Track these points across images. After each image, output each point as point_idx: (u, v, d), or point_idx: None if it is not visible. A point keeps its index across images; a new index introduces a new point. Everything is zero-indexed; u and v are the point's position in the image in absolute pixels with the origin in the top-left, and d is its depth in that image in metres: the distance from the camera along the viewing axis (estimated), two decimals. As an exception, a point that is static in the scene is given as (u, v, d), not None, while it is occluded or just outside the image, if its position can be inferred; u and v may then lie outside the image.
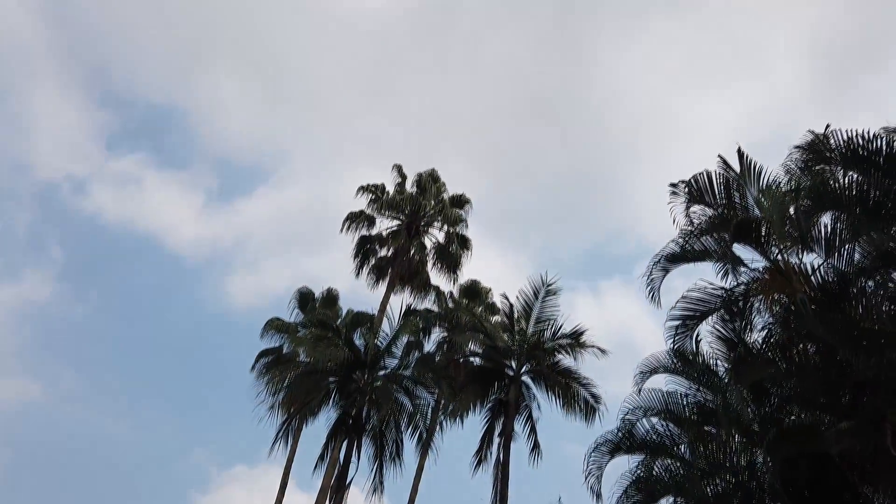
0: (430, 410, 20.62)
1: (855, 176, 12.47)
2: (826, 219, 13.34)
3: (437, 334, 25.48)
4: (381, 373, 20.79)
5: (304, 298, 29.50)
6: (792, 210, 13.31)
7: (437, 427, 21.16)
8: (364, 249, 28.44)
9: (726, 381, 13.50)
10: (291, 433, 21.58)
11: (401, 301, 26.88)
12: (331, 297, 29.81)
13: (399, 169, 29.40)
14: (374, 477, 19.26)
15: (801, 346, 13.01)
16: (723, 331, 14.06)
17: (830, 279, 13.09)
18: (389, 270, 27.57)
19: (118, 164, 75.69)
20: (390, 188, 29.10)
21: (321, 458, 20.30)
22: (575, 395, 19.30)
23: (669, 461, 13.75)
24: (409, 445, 20.34)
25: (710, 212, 14.13)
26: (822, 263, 13.26)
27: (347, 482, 19.02)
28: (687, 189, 14.16)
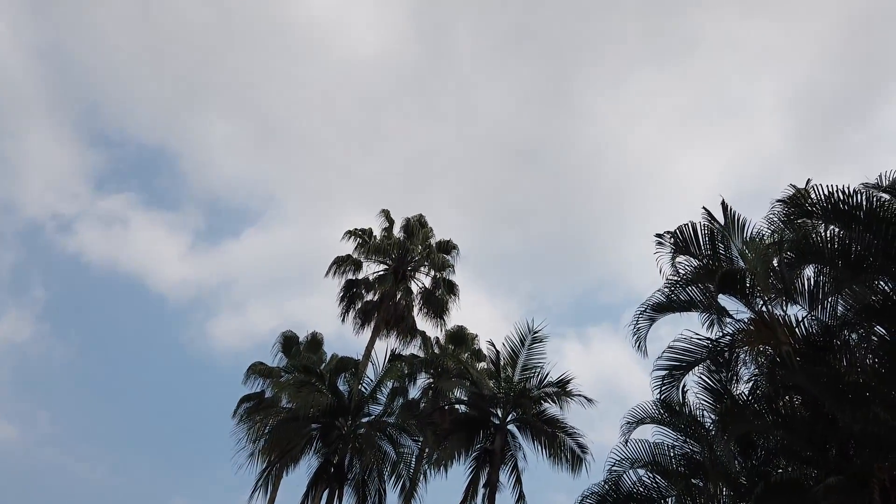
0: (413, 459, 20.24)
1: (836, 230, 12.68)
2: (809, 272, 13.55)
3: (422, 380, 25.26)
4: (365, 419, 20.46)
5: (289, 342, 29.21)
6: (776, 262, 13.48)
7: (421, 476, 20.74)
8: (350, 293, 28.31)
9: (713, 432, 13.43)
10: (272, 481, 21.04)
11: (386, 346, 26.66)
12: (315, 342, 29.54)
13: (387, 214, 29.54)
14: (356, 528, 18.76)
15: (788, 398, 13.03)
16: (709, 381, 14.06)
17: (814, 331, 13.21)
18: (375, 315, 27.40)
19: (105, 203, 75.53)
20: (377, 233, 29.17)
21: (301, 507, 19.77)
22: (561, 445, 19.07)
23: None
24: (392, 495, 19.90)
25: (695, 262, 14.27)
26: (807, 315, 13.40)
27: (327, 534, 18.50)
28: (672, 240, 14.32)
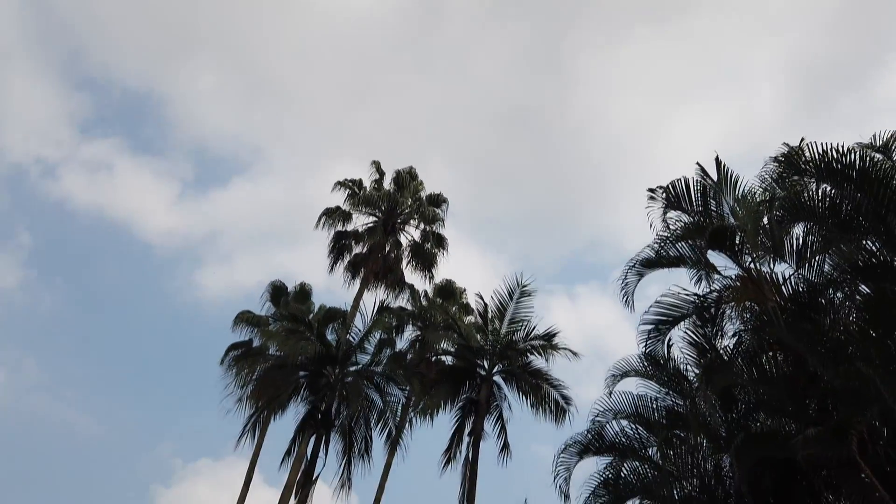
0: (400, 408, 20.52)
1: (828, 188, 12.70)
2: (798, 230, 13.61)
3: (409, 332, 25.40)
4: (353, 368, 20.65)
5: (277, 292, 29.19)
6: (766, 220, 13.52)
7: (407, 424, 21.07)
8: (339, 245, 28.21)
9: (696, 385, 13.66)
10: (259, 427, 21.33)
11: (374, 298, 26.72)
12: (303, 292, 29.54)
13: (377, 165, 29.27)
14: (342, 473, 19.12)
15: (771, 353, 13.23)
16: (694, 336, 14.23)
17: (801, 289, 13.34)
18: (364, 267, 27.38)
19: (90, 149, 74.23)
20: (367, 184, 28.93)
21: (288, 452, 20.05)
22: (545, 396, 19.38)
23: (638, 464, 13.87)
24: (378, 442, 20.26)
25: (686, 218, 14.28)
26: (793, 274, 13.51)
27: (314, 477, 18.84)
28: (664, 195, 14.30)
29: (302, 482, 18.89)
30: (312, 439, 19.77)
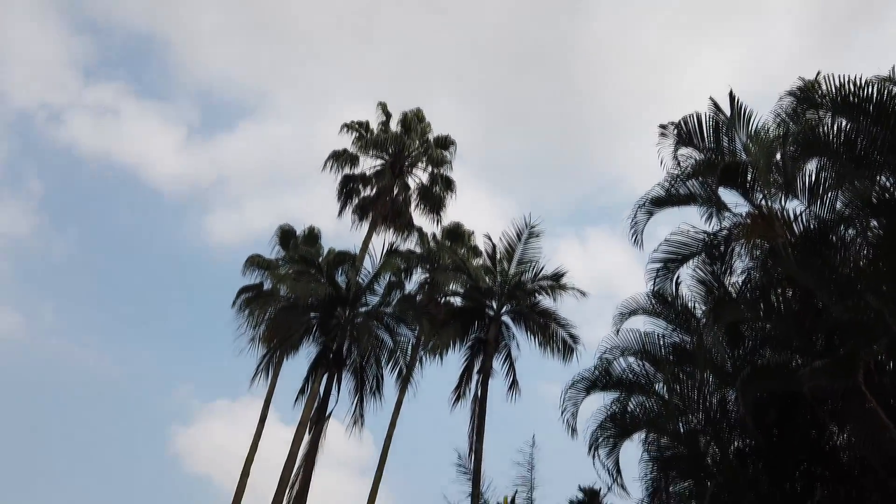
0: (410, 347, 20.85)
1: (843, 123, 12.48)
2: (811, 166, 13.43)
3: (418, 275, 25.58)
4: (363, 310, 20.89)
5: (286, 236, 29.31)
6: (779, 156, 13.35)
7: (417, 363, 21.44)
8: (347, 188, 28.15)
9: (704, 322, 13.76)
10: (272, 367, 21.77)
11: (383, 241, 26.80)
12: (312, 236, 29.64)
13: (384, 107, 28.91)
14: (355, 410, 19.58)
15: (779, 290, 13.26)
16: (703, 274, 14.24)
17: (812, 226, 13.26)
18: (372, 210, 27.37)
19: (95, 93, 73.49)
20: (374, 126, 28.63)
21: (301, 391, 20.52)
22: (553, 336, 19.61)
23: (644, 398, 14.11)
24: (390, 380, 20.67)
25: (697, 155, 14.11)
26: (805, 210, 13.41)
27: (327, 414, 19.32)
28: (676, 131, 14.10)
29: (315, 419, 19.38)
30: (325, 378, 20.18)
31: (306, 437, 19.95)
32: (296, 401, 20.61)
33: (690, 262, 14.57)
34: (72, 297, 78.32)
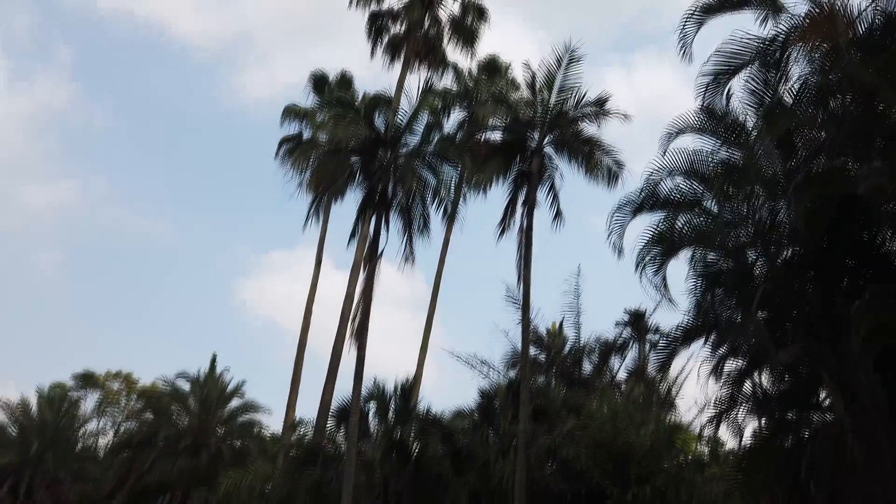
0: (453, 184, 20.98)
1: None
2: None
3: (456, 115, 25.15)
4: (404, 150, 20.85)
5: (320, 82, 28.80)
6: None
7: (462, 200, 21.68)
8: (376, 26, 27.06)
9: (755, 134, 13.34)
10: (321, 212, 22.35)
11: (418, 80, 26.15)
12: (346, 80, 29.04)
13: (407, -67, 26.95)
14: (405, 249, 20.15)
15: (838, 96, 12.64)
16: (755, 84, 13.57)
17: (876, 22, 12.32)
18: (404, 48, 26.45)
19: (104, -51, 70.33)
20: (399, -45, 26.89)
21: (352, 234, 21.17)
22: (598, 163, 19.37)
23: (692, 216, 14.11)
24: (436, 219, 21.04)
25: (753, -48, 12.92)
26: (870, 5, 12.39)
27: (379, 254, 19.98)
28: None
29: (368, 258, 20.12)
30: (373, 220, 20.67)
31: (361, 276, 20.88)
32: (348, 243, 21.35)
33: (742, 73, 13.86)
34: (119, 165, 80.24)
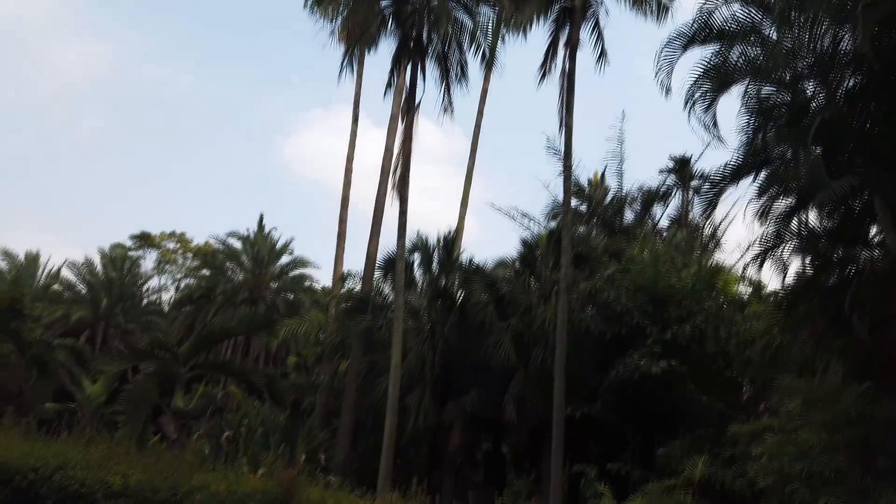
0: (491, 26, 19.94)
1: None
2: None
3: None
4: (437, -10, 19.71)
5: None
6: None
7: (500, 42, 20.67)
8: None
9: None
10: (355, 64, 21.68)
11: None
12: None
13: None
14: (443, 98, 19.64)
15: None
16: None
17: None
18: None
19: None
20: None
21: (389, 84, 20.62)
22: (646, -4, 18.07)
23: (747, 47, 13.19)
24: (474, 65, 20.30)
25: None
26: None
27: (416, 104, 19.54)
28: None
29: (406, 108, 19.74)
30: (409, 69, 20.02)
31: (400, 128, 20.60)
32: (384, 94, 20.88)
33: None
34: (153, 21, 78.74)
